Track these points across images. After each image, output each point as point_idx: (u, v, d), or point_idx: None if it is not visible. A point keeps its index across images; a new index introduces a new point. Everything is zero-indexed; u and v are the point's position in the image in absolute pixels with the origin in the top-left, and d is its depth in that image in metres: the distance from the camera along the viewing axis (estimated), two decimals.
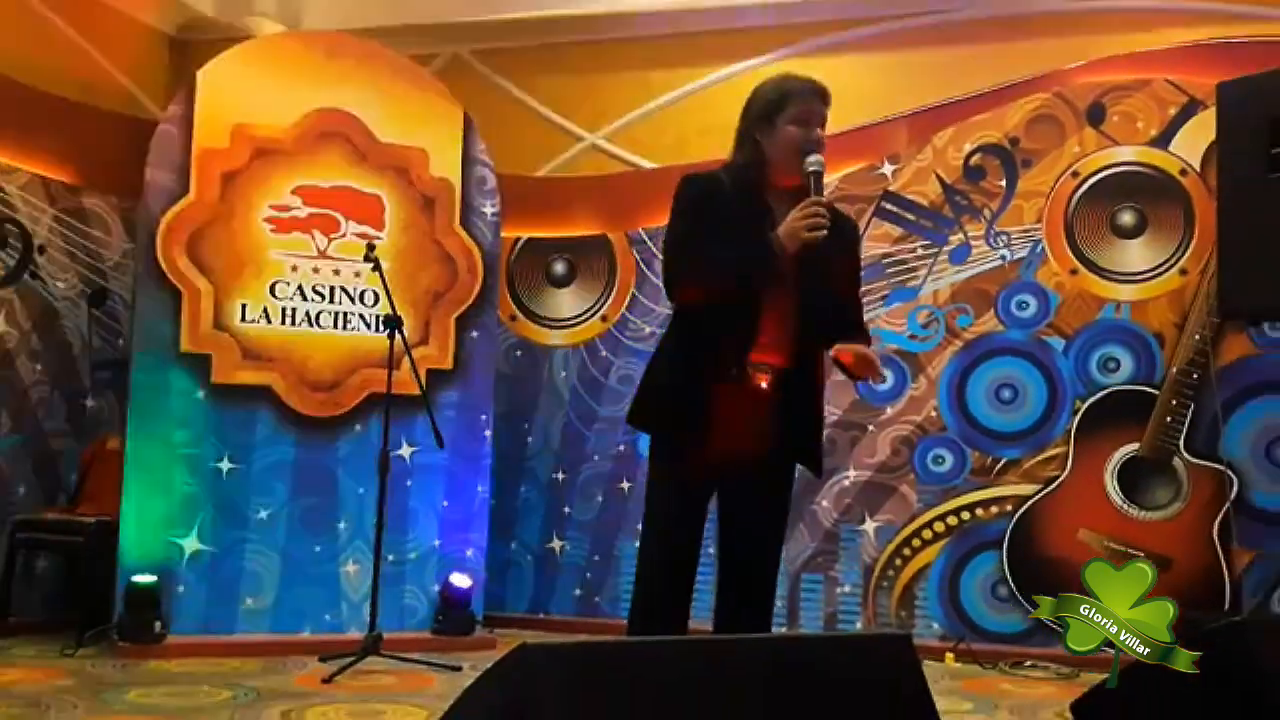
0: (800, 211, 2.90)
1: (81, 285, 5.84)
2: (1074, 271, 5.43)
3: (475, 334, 5.78)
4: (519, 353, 6.31)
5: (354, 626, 5.32)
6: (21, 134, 5.50)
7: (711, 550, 3.08)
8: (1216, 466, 5.12)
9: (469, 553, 5.68)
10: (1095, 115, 5.45)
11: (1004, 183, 5.57)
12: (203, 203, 5.37)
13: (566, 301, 6.29)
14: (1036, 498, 5.38)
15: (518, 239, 6.32)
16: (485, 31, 6.42)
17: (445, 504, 5.66)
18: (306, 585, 5.40)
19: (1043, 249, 5.48)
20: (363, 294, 5.57)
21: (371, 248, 5.16)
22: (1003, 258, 5.54)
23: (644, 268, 6.07)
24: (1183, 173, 5.31)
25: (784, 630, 5.47)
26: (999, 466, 5.46)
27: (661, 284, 3.20)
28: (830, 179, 5.61)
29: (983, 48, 5.72)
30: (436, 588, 5.58)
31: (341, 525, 5.47)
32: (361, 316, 5.57)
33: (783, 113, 3.01)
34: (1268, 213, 4.40)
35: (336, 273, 5.54)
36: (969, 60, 5.71)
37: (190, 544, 5.25)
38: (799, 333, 3.01)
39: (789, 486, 3.15)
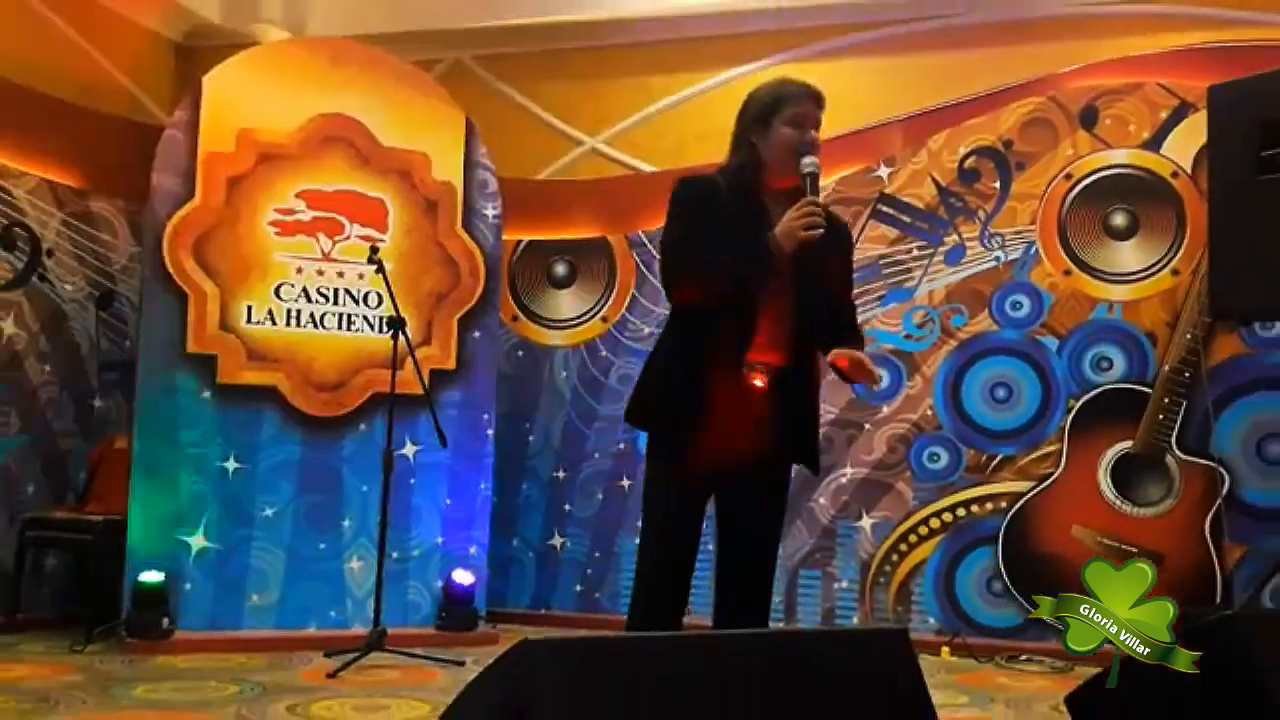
0: (797, 211, 2.91)
1: (89, 288, 5.88)
2: (1067, 272, 5.48)
3: (477, 334, 5.82)
4: (520, 353, 6.36)
5: (358, 622, 5.35)
6: (30, 139, 5.56)
7: (709, 547, 3.09)
8: (1208, 463, 5.15)
9: (471, 550, 5.71)
10: (1088, 118, 5.50)
11: (998, 185, 5.61)
12: (208, 206, 5.41)
13: (567, 302, 6.34)
14: (1031, 495, 5.42)
15: (519, 241, 6.37)
16: (487, 37, 6.46)
17: (448, 502, 5.69)
18: (312, 582, 5.43)
19: (1036, 250, 5.52)
20: (366, 296, 5.61)
21: (375, 250, 5.19)
22: (997, 259, 5.58)
23: (644, 269, 6.12)
24: (1174, 175, 5.36)
25: (782, 625, 5.51)
26: (994, 464, 5.50)
27: (660, 284, 3.20)
28: (827, 181, 5.69)
29: (977, 52, 5.76)
30: (439, 584, 5.62)
31: (346, 523, 5.50)
32: (365, 318, 5.61)
33: (778, 115, 3.02)
34: (1258, 214, 4.42)
35: (340, 275, 5.58)
36: (963, 65, 5.75)
37: (197, 542, 5.29)
38: (796, 332, 3.02)
39: (787, 486, 3.16)
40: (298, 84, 5.62)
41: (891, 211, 5.76)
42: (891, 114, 5.80)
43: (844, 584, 5.67)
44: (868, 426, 5.68)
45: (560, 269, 6.36)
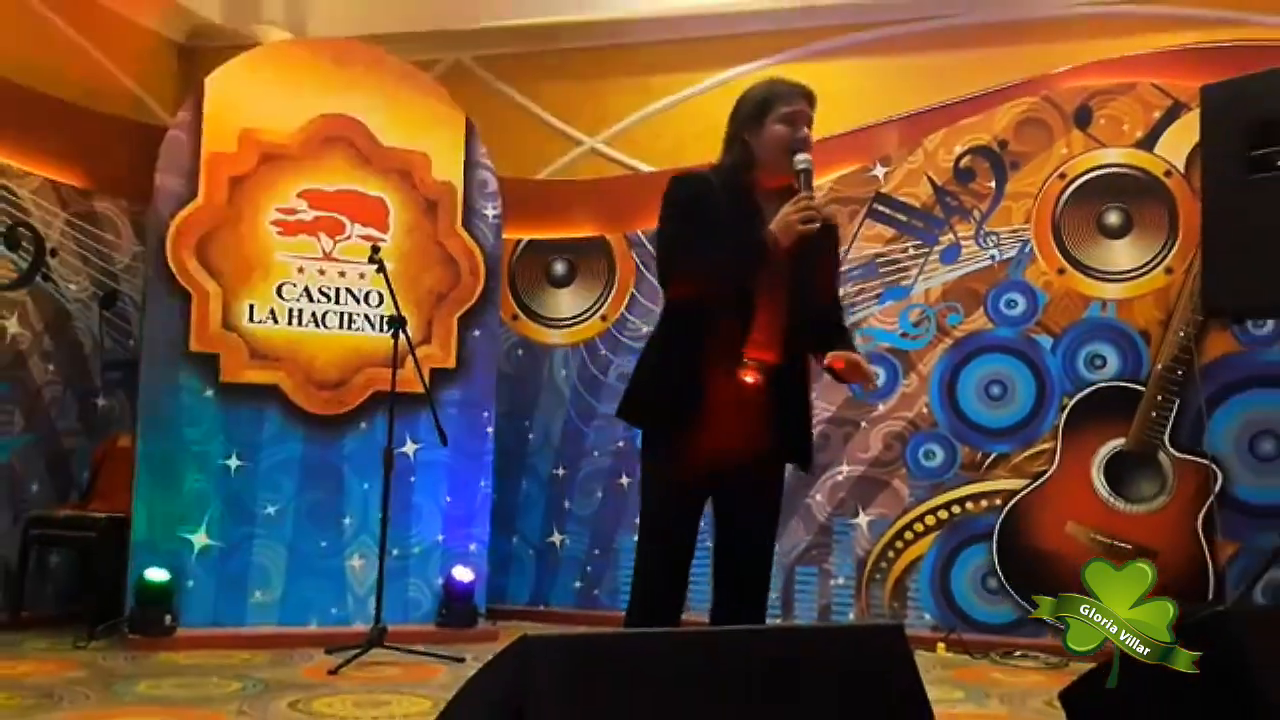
0: (793, 205, 2.93)
1: (93, 287, 5.91)
2: (1061, 271, 5.51)
3: (477, 333, 5.84)
4: (520, 352, 6.39)
5: (360, 619, 5.37)
6: (34, 139, 5.59)
7: (707, 544, 3.10)
8: (1201, 460, 5.18)
9: (471, 547, 5.73)
10: (1082, 118, 5.53)
11: (993, 184, 5.64)
12: (211, 206, 5.43)
13: (566, 301, 6.37)
14: (1025, 492, 5.45)
15: (519, 240, 6.39)
16: (486, 38, 6.48)
17: (448, 499, 5.71)
18: (313, 579, 5.45)
19: (1031, 249, 5.55)
20: (367, 295, 5.63)
21: (376, 250, 5.21)
22: (992, 257, 5.61)
23: (643, 268, 6.14)
24: (1167, 174, 5.38)
25: (779, 622, 5.52)
26: (989, 461, 5.53)
27: (656, 281, 3.19)
28: (823, 181, 5.73)
29: (972, 53, 5.78)
30: (440, 581, 5.64)
31: (347, 520, 5.53)
32: (366, 317, 5.63)
33: (771, 113, 3.03)
34: (1250, 213, 4.43)
35: (342, 274, 5.61)
36: (959, 65, 5.77)
37: (199, 539, 5.31)
38: (790, 330, 3.03)
39: (781, 485, 3.16)
40: (299, 84, 5.64)
41: (887, 211, 5.79)
42: (887, 114, 5.82)
43: (840, 580, 5.70)
44: (864, 424, 5.71)
45: (560, 268, 6.39)
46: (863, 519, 5.69)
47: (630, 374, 3.22)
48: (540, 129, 6.50)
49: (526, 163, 6.41)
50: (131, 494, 5.30)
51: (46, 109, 5.63)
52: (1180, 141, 5.34)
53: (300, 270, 5.56)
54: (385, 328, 5.26)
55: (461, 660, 4.87)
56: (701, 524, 3.11)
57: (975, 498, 5.54)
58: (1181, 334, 5.23)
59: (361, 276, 5.58)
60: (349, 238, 5.63)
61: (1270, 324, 5.16)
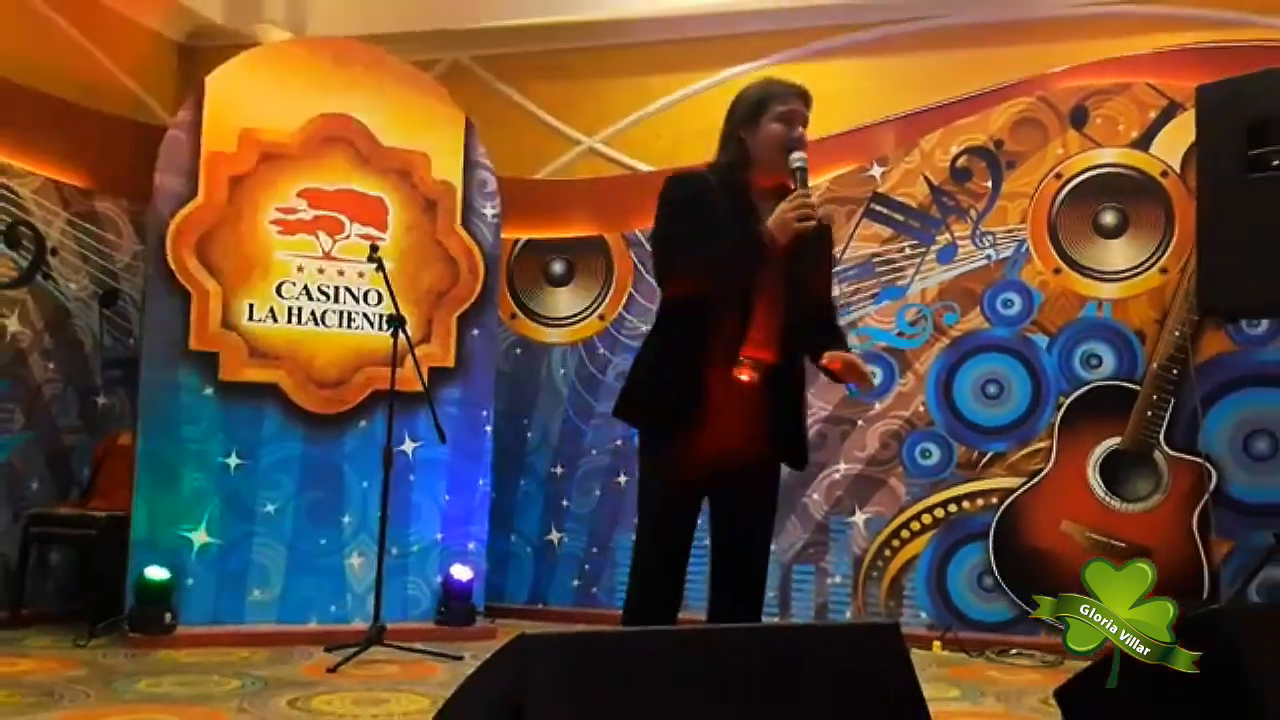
0: (789, 203, 2.94)
1: (93, 286, 5.93)
2: (1057, 270, 5.53)
3: (476, 332, 5.86)
4: (519, 350, 6.40)
5: (359, 617, 5.38)
6: (35, 139, 5.60)
7: (704, 541, 3.11)
8: (1196, 459, 5.19)
9: (470, 545, 5.74)
10: (1078, 118, 5.55)
11: (989, 184, 5.66)
12: (211, 205, 5.45)
13: (565, 300, 6.39)
14: (1021, 490, 5.47)
15: (517, 240, 6.41)
16: (486, 38, 6.50)
17: (447, 498, 5.73)
18: (312, 577, 5.46)
19: (1027, 248, 5.57)
20: (367, 294, 5.64)
21: (375, 249, 5.22)
22: (988, 257, 5.63)
23: (640, 268, 6.16)
24: (1163, 174, 5.40)
25: (776, 620, 5.54)
26: (985, 460, 5.55)
27: (654, 279, 3.20)
28: (821, 180, 5.75)
29: (968, 53, 5.79)
30: (439, 579, 5.65)
31: (346, 519, 5.54)
32: (365, 316, 5.65)
33: (766, 112, 3.05)
34: (1246, 213, 4.44)
35: (341, 273, 5.62)
36: (955, 65, 5.79)
37: (199, 537, 5.32)
38: (787, 329, 3.04)
39: (778, 484, 3.17)
40: (299, 84, 5.65)
41: (884, 210, 5.81)
42: (884, 114, 5.84)
43: (837, 579, 5.71)
44: (860, 423, 5.73)
45: (558, 267, 6.41)
46: (859, 517, 5.70)
47: (627, 373, 3.23)
48: (539, 129, 6.51)
49: (525, 162, 6.42)
50: (131, 492, 5.31)
51: (47, 109, 5.64)
52: (1176, 141, 5.35)
53: (300, 269, 5.58)
54: (384, 326, 5.27)
55: (460, 658, 4.88)
56: (700, 522, 3.12)
57: (971, 496, 5.56)
58: (1177, 333, 5.24)
59: (361, 275, 5.59)
60: (348, 237, 5.65)
61: (1265, 323, 5.18)
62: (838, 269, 5.76)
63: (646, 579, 3.08)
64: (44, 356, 5.66)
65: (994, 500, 5.52)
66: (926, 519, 5.61)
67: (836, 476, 5.74)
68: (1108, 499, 5.33)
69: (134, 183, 5.79)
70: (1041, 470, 5.45)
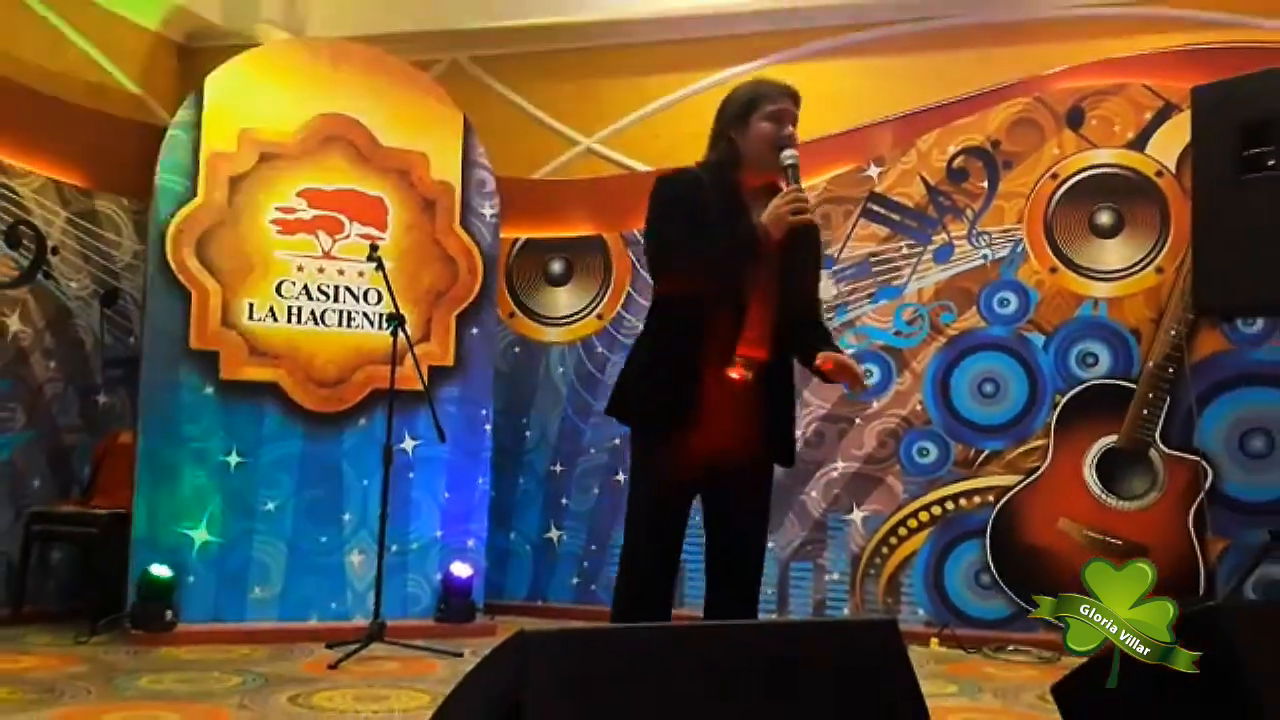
0: (782, 198, 2.96)
1: (94, 285, 5.94)
2: (1053, 270, 5.55)
3: (475, 331, 5.87)
4: (518, 349, 6.42)
5: (359, 614, 5.41)
6: (35, 139, 5.62)
7: (695, 538, 3.11)
8: (1191, 457, 5.22)
9: (470, 543, 5.76)
10: (1074, 119, 5.57)
11: (986, 184, 5.68)
12: (211, 205, 5.46)
13: (563, 300, 6.41)
14: (1018, 488, 5.49)
15: (516, 239, 6.43)
16: (484, 38, 6.50)
17: (447, 496, 5.74)
18: (313, 575, 5.48)
19: (1023, 248, 5.59)
20: (366, 293, 5.66)
21: (375, 248, 5.25)
22: (985, 257, 5.65)
23: (638, 267, 6.16)
24: (1158, 174, 5.42)
25: (774, 617, 5.58)
26: (981, 458, 5.57)
27: (648, 275, 3.21)
28: (818, 180, 5.77)
29: (966, 54, 5.81)
30: (438, 576, 5.67)
31: (346, 517, 5.56)
32: (365, 315, 5.66)
33: (756, 111, 3.06)
34: (1240, 213, 4.45)
35: (341, 273, 5.64)
36: (952, 66, 5.80)
37: (200, 535, 5.34)
38: (779, 327, 3.05)
39: (771, 484, 3.17)
40: (298, 84, 5.67)
41: (881, 210, 5.82)
42: (882, 114, 5.85)
43: (835, 576, 5.73)
44: (858, 421, 5.75)
45: (556, 267, 6.43)
46: (857, 515, 5.72)
47: (620, 371, 3.24)
48: (537, 129, 6.52)
49: (524, 162, 6.43)
50: (132, 490, 5.34)
51: (48, 109, 5.66)
52: (1171, 142, 5.38)
53: (300, 269, 5.59)
54: (384, 325, 5.29)
55: (460, 655, 4.90)
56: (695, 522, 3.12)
57: (968, 494, 5.58)
58: (1172, 332, 5.26)
59: (360, 275, 5.61)
60: (348, 236, 5.66)
61: (1260, 322, 5.20)
62: (836, 268, 5.79)
63: (639, 579, 3.09)
64: (45, 356, 5.68)
65: (991, 498, 5.53)
66: (924, 516, 5.62)
67: (834, 474, 5.76)
68: (1104, 497, 5.35)
69: (134, 182, 5.82)
70: (1038, 468, 5.47)
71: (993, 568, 5.49)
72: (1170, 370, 5.26)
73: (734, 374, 2.99)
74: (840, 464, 5.75)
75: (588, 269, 6.36)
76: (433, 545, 5.70)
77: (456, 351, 5.81)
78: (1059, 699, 2.77)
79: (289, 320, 5.55)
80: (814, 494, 5.77)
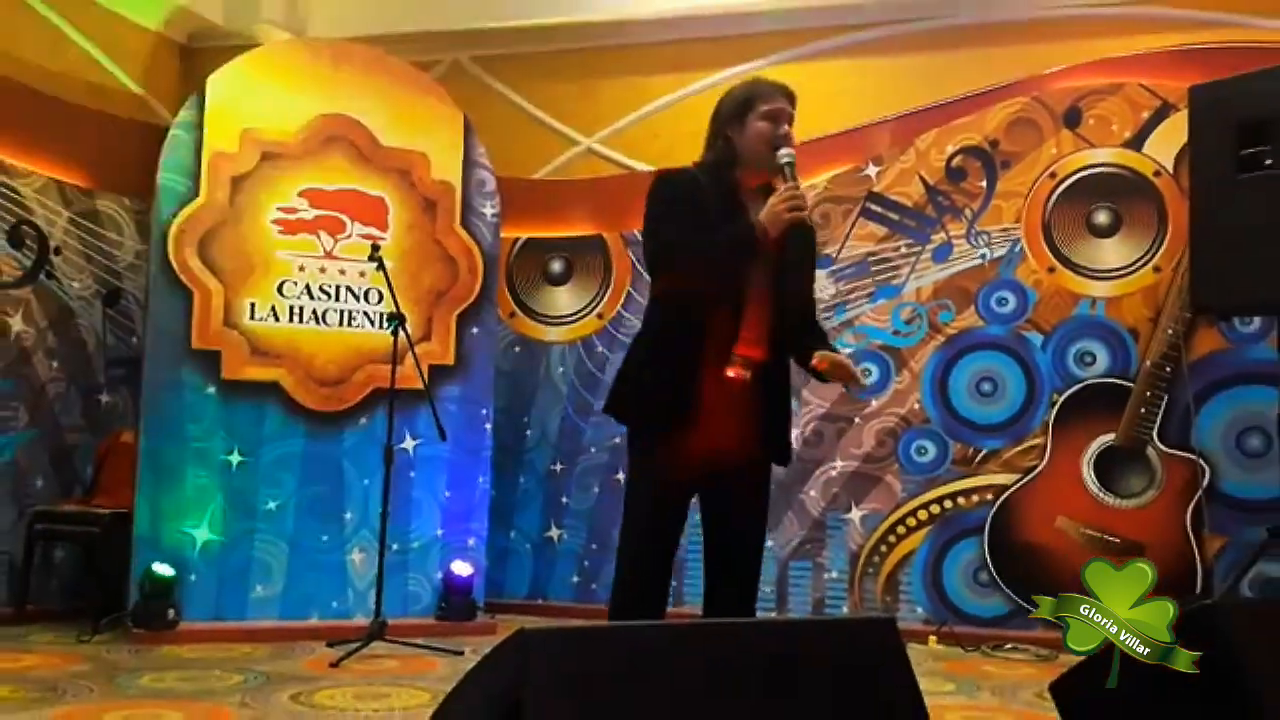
0: (779, 196, 2.97)
1: (96, 285, 5.96)
2: (1051, 269, 5.56)
3: (476, 330, 5.89)
4: (518, 349, 6.43)
5: (360, 613, 5.42)
6: (38, 139, 5.63)
7: (694, 538, 3.13)
8: (1189, 456, 5.23)
9: (470, 541, 5.77)
10: (1072, 118, 5.57)
11: (984, 183, 5.69)
12: (213, 205, 5.48)
13: (564, 299, 6.41)
14: (1016, 487, 5.50)
15: (517, 239, 6.43)
16: (485, 39, 6.51)
17: (447, 495, 5.75)
18: (314, 573, 5.49)
19: (1021, 247, 5.60)
20: (367, 293, 5.67)
21: (376, 248, 5.25)
22: (983, 256, 5.66)
23: (638, 267, 6.16)
24: (1156, 174, 5.43)
25: (773, 615, 5.58)
26: (980, 457, 5.58)
27: (647, 273, 3.22)
28: (817, 180, 5.79)
29: (963, 54, 5.82)
30: (439, 575, 5.68)
31: (347, 515, 5.57)
32: (366, 314, 5.68)
33: (752, 111, 3.08)
34: (1238, 212, 4.47)
35: (342, 272, 5.66)
36: (951, 66, 5.81)
37: (202, 534, 5.36)
38: (776, 327, 3.06)
39: (769, 484, 3.18)
40: (300, 85, 5.69)
41: (880, 210, 5.84)
42: (880, 114, 5.86)
43: (834, 574, 5.74)
44: (857, 420, 5.75)
45: (557, 266, 6.44)
46: (856, 514, 5.73)
47: (618, 370, 3.24)
48: (537, 129, 6.53)
49: (524, 162, 6.44)
50: (134, 490, 5.35)
51: (50, 109, 5.67)
52: (1168, 141, 5.39)
53: (301, 268, 5.61)
54: (385, 325, 5.30)
55: (460, 653, 4.91)
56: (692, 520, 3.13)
57: (967, 493, 5.59)
58: (1170, 331, 5.27)
59: (361, 274, 5.62)
60: (349, 236, 5.68)
61: (1257, 321, 5.21)
62: (834, 268, 5.81)
63: (637, 579, 3.10)
64: (47, 355, 5.69)
65: (989, 496, 5.54)
66: (922, 515, 5.63)
67: (833, 473, 5.77)
68: (1102, 495, 5.36)
69: (136, 182, 5.84)
70: (1036, 467, 5.48)
71: (991, 566, 5.50)
72: (1168, 369, 5.26)
73: (732, 373, 2.99)
74: (839, 463, 5.76)
75: (588, 269, 6.37)
76: (433, 544, 5.71)
77: (457, 351, 5.82)
78: (1057, 697, 2.77)
79: (290, 320, 5.57)
80: (813, 493, 5.78)
